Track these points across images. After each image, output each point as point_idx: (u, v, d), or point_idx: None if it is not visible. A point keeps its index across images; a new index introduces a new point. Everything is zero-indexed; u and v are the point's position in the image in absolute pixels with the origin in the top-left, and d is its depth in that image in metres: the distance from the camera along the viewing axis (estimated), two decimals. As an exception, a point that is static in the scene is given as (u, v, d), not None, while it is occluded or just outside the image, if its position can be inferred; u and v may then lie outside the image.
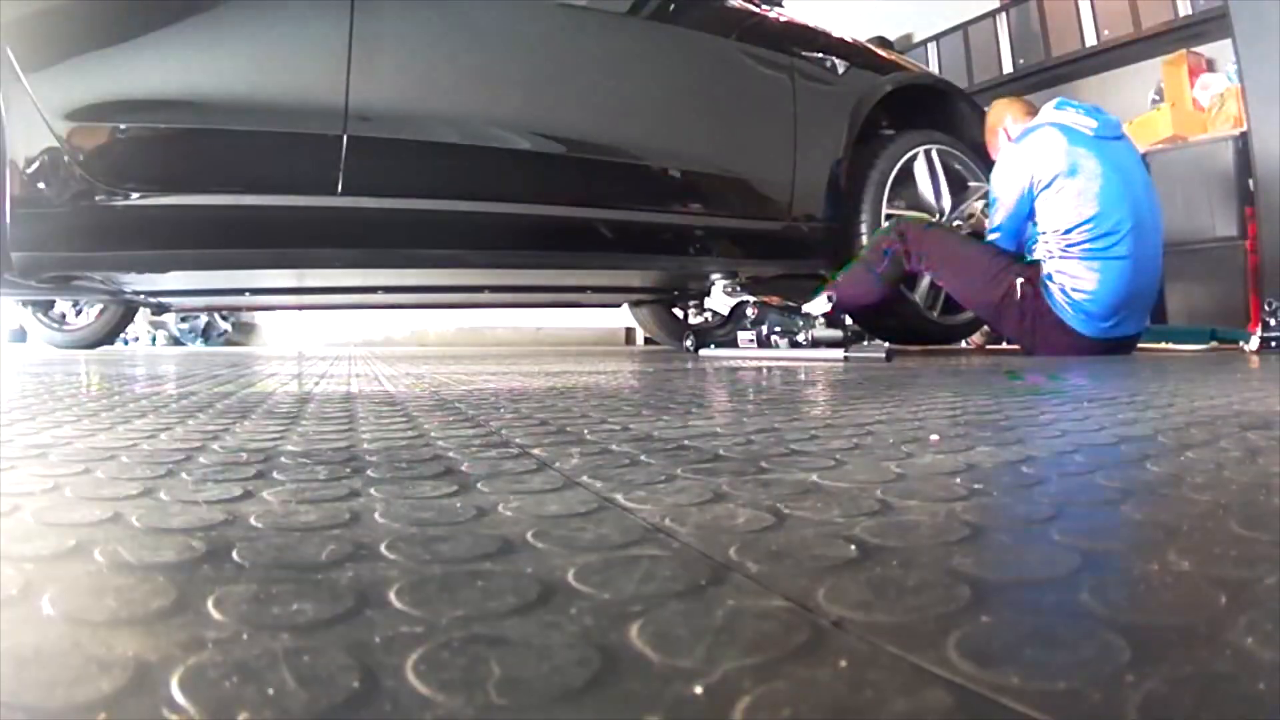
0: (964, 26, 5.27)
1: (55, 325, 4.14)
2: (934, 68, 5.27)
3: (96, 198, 1.91)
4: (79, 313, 4.17)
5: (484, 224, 2.34)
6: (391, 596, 0.30)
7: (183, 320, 5.59)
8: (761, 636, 0.26)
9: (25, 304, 4.04)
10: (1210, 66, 4.38)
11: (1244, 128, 3.95)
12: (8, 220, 1.85)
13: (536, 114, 2.41)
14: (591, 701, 0.22)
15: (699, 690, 0.23)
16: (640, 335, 5.80)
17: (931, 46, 5.48)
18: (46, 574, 0.33)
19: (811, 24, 3.01)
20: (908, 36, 5.67)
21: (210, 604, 0.29)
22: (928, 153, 3.03)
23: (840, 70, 2.91)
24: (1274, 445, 0.65)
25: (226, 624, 0.28)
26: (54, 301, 4.04)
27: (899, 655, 0.25)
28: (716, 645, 0.26)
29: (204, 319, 5.60)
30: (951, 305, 3.06)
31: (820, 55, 2.89)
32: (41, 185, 1.88)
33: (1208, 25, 4.14)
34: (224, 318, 5.70)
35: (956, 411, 0.95)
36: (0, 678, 0.23)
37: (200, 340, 5.65)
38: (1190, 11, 4.20)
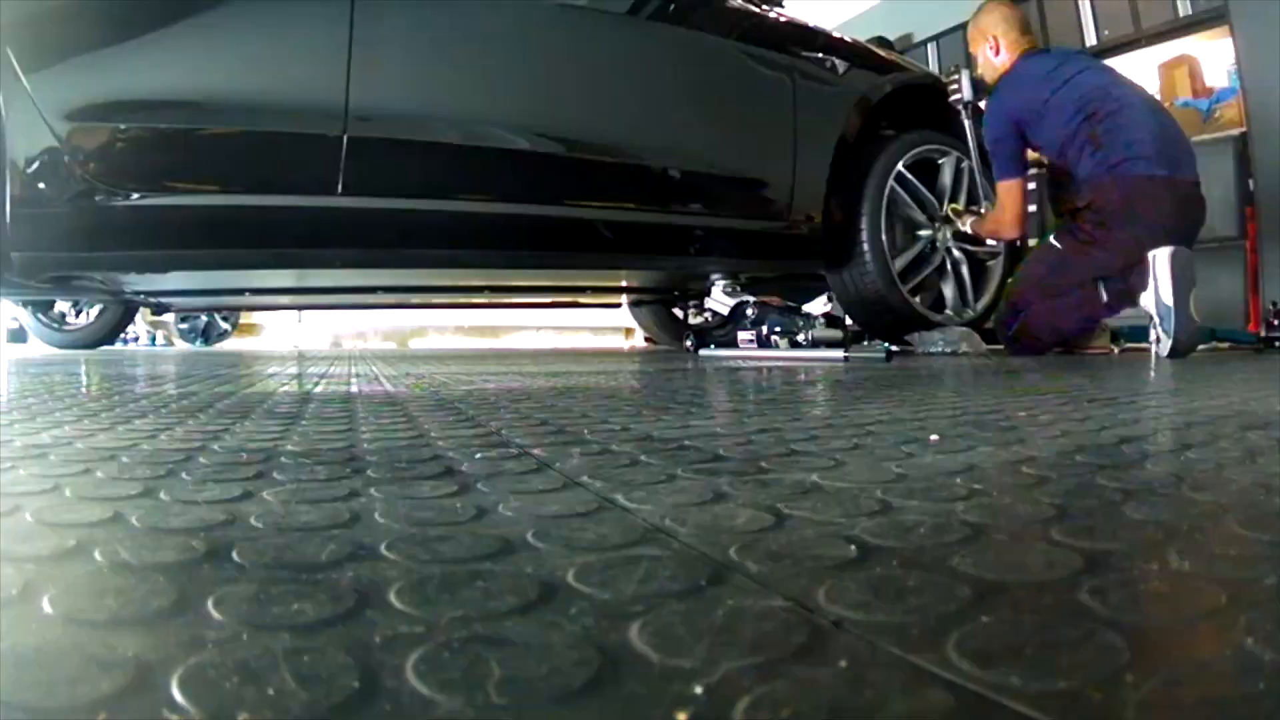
0: (964, 26, 5.27)
1: (55, 325, 4.14)
2: (934, 68, 5.27)
3: (96, 198, 1.91)
4: (79, 313, 4.17)
5: (484, 224, 2.34)
6: (391, 596, 0.30)
7: (183, 320, 5.59)
8: (761, 636, 0.26)
9: (25, 304, 4.04)
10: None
11: (1244, 128, 3.95)
12: (8, 220, 1.85)
13: (537, 114, 2.40)
14: (591, 701, 0.22)
15: (699, 690, 0.23)
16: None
17: (931, 46, 5.48)
18: (46, 574, 0.33)
19: (811, 24, 3.01)
20: (908, 36, 5.67)
21: (210, 604, 0.29)
22: (928, 153, 3.03)
23: (840, 70, 2.90)
24: (1274, 445, 0.65)
25: (226, 624, 0.28)
26: (54, 301, 4.04)
27: (899, 655, 0.25)
28: (716, 645, 0.26)
29: (204, 319, 5.60)
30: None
31: (820, 55, 2.88)
32: (41, 185, 1.88)
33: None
34: (224, 318, 5.70)
35: (956, 411, 0.95)
36: (0, 678, 0.23)
37: (200, 340, 5.65)
38: (1190, 11, 4.20)
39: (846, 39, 3.10)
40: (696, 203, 2.71)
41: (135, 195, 1.95)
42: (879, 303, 2.91)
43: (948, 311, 3.04)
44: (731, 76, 2.73)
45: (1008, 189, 2.87)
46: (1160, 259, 2.51)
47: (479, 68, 2.33)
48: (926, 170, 3.06)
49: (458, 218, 2.30)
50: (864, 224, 2.87)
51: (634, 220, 2.59)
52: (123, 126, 1.95)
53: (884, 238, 2.88)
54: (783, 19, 2.90)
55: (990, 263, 3.16)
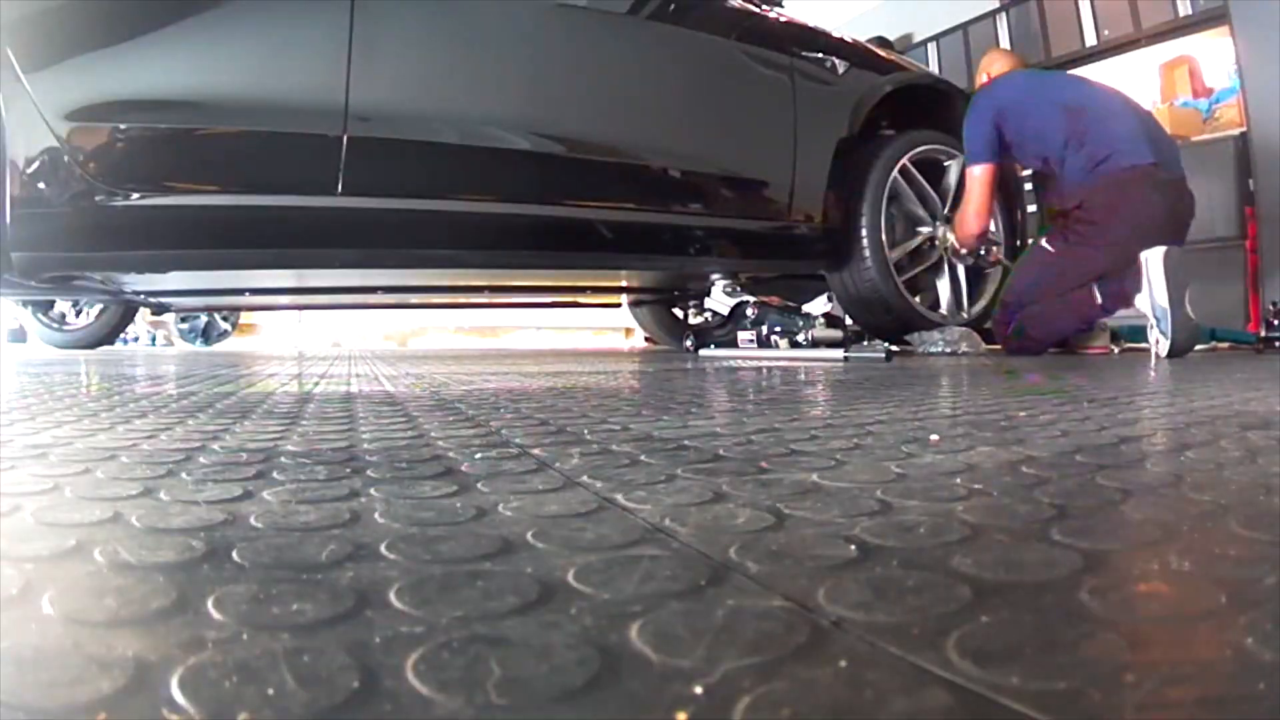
0: (964, 26, 5.27)
1: (55, 325, 4.15)
2: (934, 68, 5.27)
3: (96, 198, 1.91)
4: (79, 313, 4.17)
5: (484, 224, 2.34)
6: (391, 596, 0.30)
7: (183, 320, 5.60)
8: (761, 636, 0.26)
9: (25, 304, 4.04)
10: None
11: (1244, 128, 3.95)
12: (8, 220, 1.85)
13: (537, 114, 2.40)
14: (591, 701, 0.22)
15: (699, 690, 0.23)
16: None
17: (931, 46, 5.48)
18: (46, 574, 0.33)
19: (811, 24, 3.01)
20: (908, 36, 5.67)
21: (210, 604, 0.29)
22: (933, 153, 3.03)
23: (840, 71, 2.90)
24: (1274, 445, 0.65)
25: (226, 624, 0.28)
26: (54, 301, 4.04)
27: (899, 655, 0.25)
28: (716, 645, 0.26)
29: (204, 319, 5.60)
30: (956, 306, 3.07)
31: (820, 55, 2.88)
32: (41, 185, 1.88)
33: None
34: (224, 318, 5.70)
35: (956, 411, 0.95)
36: (0, 678, 0.23)
37: (200, 340, 5.65)
38: (1190, 11, 4.20)
39: (847, 39, 3.10)
40: (696, 203, 2.71)
41: (135, 195, 1.95)
42: (878, 302, 2.91)
43: (943, 312, 3.04)
44: (732, 76, 2.74)
45: (975, 176, 2.87)
46: (1152, 260, 2.50)
47: (479, 68, 2.33)
48: (933, 171, 3.06)
49: (458, 218, 2.30)
50: (863, 222, 2.86)
51: (634, 220, 2.59)
52: (123, 126, 1.95)
53: (883, 237, 2.88)
54: (783, 19, 2.90)
55: (988, 270, 3.16)
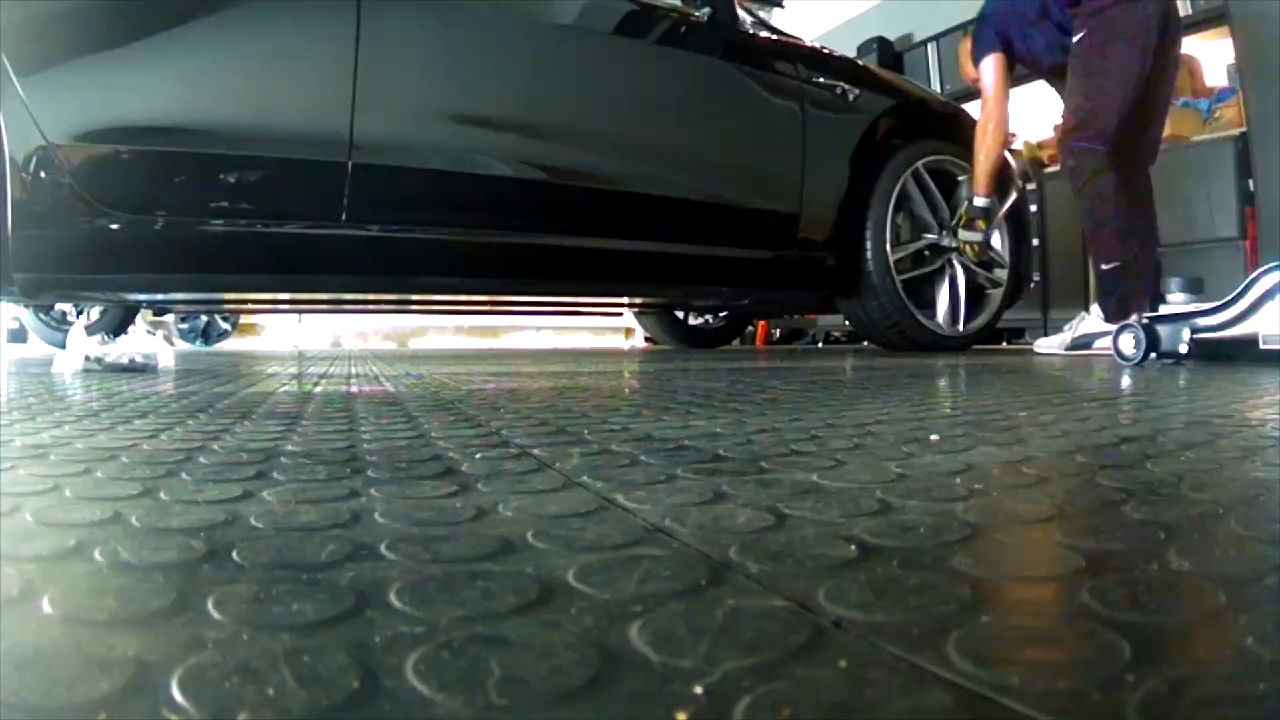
0: (964, 26, 5.27)
1: (55, 325, 4.15)
2: (934, 68, 5.27)
3: (98, 221, 1.90)
4: (80, 312, 4.17)
5: (489, 253, 2.33)
6: (391, 596, 0.30)
7: (183, 320, 5.60)
8: (761, 636, 0.26)
9: (26, 304, 4.05)
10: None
11: (1244, 128, 3.95)
12: (9, 242, 1.85)
13: (544, 143, 2.39)
14: (591, 701, 0.22)
15: (699, 690, 0.23)
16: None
17: (931, 46, 5.48)
18: (46, 574, 0.33)
19: (822, 48, 3.01)
20: (908, 36, 5.67)
21: (210, 604, 0.29)
22: (935, 164, 3.02)
23: (850, 97, 2.89)
24: (1272, 445, 0.65)
25: (226, 624, 0.28)
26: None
27: (899, 655, 0.25)
28: (716, 645, 0.26)
29: (204, 319, 5.60)
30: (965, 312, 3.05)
31: (830, 81, 2.88)
32: (43, 208, 1.88)
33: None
34: (224, 318, 5.70)
35: (956, 411, 0.95)
36: (0, 678, 0.23)
37: (200, 340, 5.66)
38: (1190, 11, 4.20)
39: (857, 63, 3.11)
40: (704, 232, 2.67)
41: (137, 219, 1.94)
42: (890, 325, 2.91)
43: (938, 320, 3.02)
44: (744, 105, 2.72)
45: (985, 65, 2.86)
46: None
47: (486, 96, 2.31)
48: (945, 185, 3.05)
49: (463, 246, 2.29)
50: (869, 239, 2.84)
51: (640, 250, 2.57)
52: (125, 150, 1.95)
53: (888, 249, 2.85)
54: (795, 44, 2.90)
55: (991, 290, 3.14)
